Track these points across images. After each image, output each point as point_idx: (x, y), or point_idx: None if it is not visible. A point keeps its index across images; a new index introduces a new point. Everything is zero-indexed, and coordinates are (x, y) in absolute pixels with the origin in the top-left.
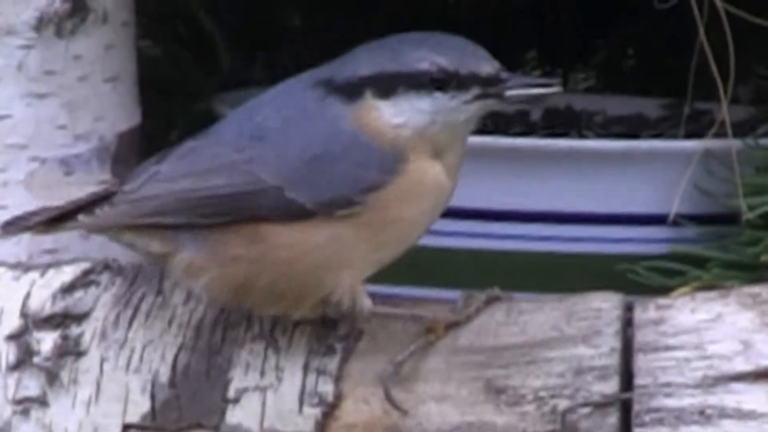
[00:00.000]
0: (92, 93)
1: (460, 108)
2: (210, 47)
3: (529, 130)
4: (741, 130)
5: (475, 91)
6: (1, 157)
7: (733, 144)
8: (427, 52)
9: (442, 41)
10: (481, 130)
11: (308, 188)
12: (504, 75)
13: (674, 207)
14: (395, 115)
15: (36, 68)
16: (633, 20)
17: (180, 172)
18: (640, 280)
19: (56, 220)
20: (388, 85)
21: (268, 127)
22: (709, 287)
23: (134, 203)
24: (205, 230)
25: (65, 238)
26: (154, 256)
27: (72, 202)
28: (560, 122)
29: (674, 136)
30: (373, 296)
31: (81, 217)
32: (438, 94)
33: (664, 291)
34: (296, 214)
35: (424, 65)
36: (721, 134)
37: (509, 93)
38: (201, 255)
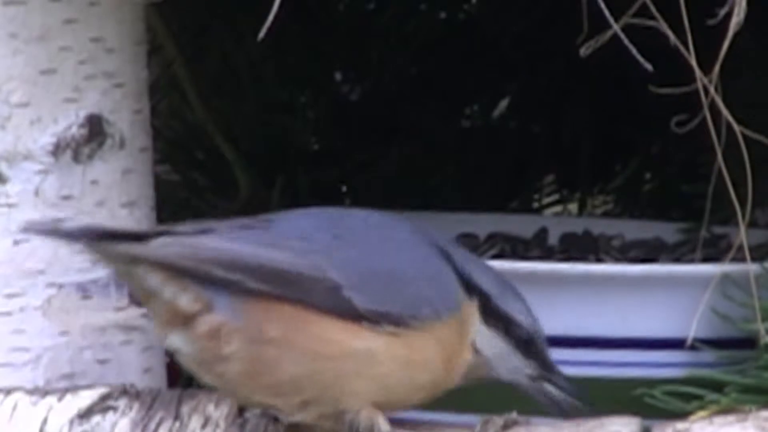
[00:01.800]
0: (109, 218)
1: (520, 372)
2: (228, 173)
3: (546, 255)
4: (758, 253)
5: (537, 369)
6: (18, 283)
7: (751, 268)
8: (527, 311)
9: (530, 307)
10: (499, 255)
11: (369, 294)
12: (556, 368)
13: (692, 331)
14: (483, 343)
15: (53, 193)
16: (650, 145)
17: (241, 238)
18: (658, 404)
19: (108, 236)
20: (492, 315)
21: (352, 233)
22: (726, 411)
23: (192, 246)
24: (249, 299)
25: (82, 363)
26: (175, 313)
27: (119, 230)
28: (578, 246)
29: (692, 261)
30: (390, 421)
31: (127, 245)
32: (517, 352)
33: (682, 415)
34: (344, 314)
35: (523, 319)
36: (738, 258)
37: (547, 387)
38: (233, 322)
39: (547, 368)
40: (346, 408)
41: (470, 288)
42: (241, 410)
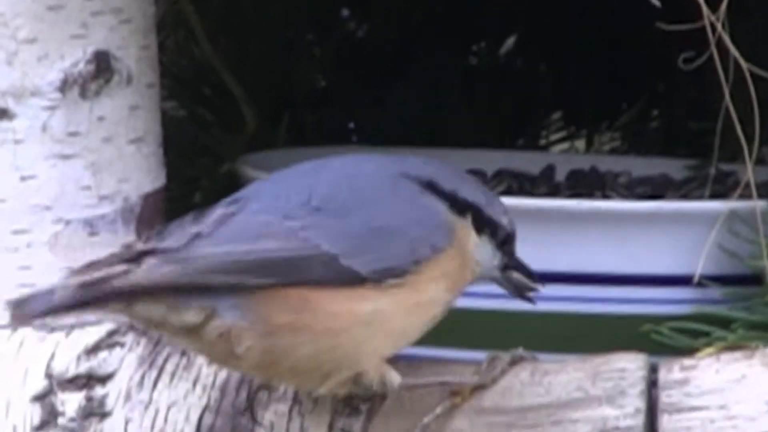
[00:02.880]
0: (117, 154)
1: (494, 269)
2: (235, 109)
3: (553, 192)
4: (765, 190)
5: (504, 260)
6: (25, 219)
7: (758, 205)
8: (508, 211)
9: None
10: (507, 191)
11: (366, 256)
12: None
13: (699, 268)
14: (479, 253)
15: (60, 129)
16: (658, 82)
17: (227, 237)
18: (665, 341)
19: (91, 299)
20: (481, 224)
21: (331, 200)
22: (733, 348)
23: (184, 261)
24: (251, 296)
25: None
26: (182, 327)
27: (99, 269)
28: (585, 183)
29: (699, 197)
30: (396, 359)
31: (115, 283)
32: (498, 252)
33: (689, 352)
34: (347, 281)
35: (505, 220)
36: (745, 195)
37: (514, 275)
38: (242, 322)
39: (512, 258)
40: (363, 370)
41: (459, 205)
42: None
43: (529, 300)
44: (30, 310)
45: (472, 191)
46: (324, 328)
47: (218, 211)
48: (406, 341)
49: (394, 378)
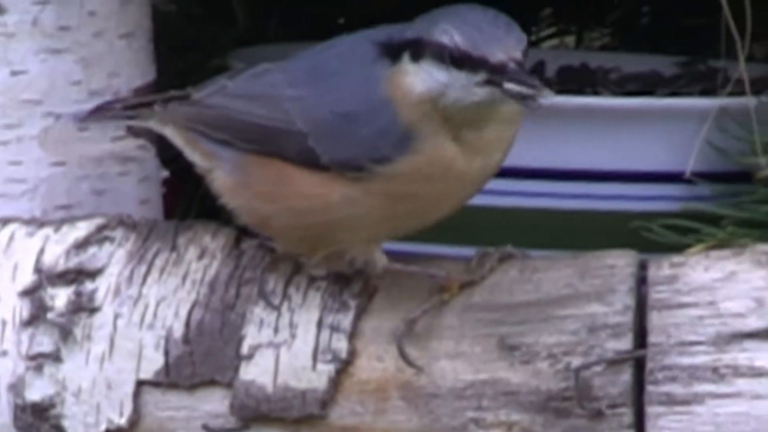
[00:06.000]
0: (107, 49)
1: (469, 89)
2: (225, 3)
3: None
4: (755, 87)
5: (483, 76)
6: (15, 113)
7: (751, 101)
8: (451, 27)
9: (471, 18)
10: None
11: (329, 143)
12: (511, 66)
13: (690, 165)
14: (418, 82)
15: (51, 24)
16: None
17: (240, 91)
18: (655, 237)
19: (137, 105)
20: (419, 52)
21: (321, 73)
22: (723, 245)
23: (195, 109)
24: (243, 157)
25: (79, 194)
26: (199, 169)
27: (151, 96)
28: (575, 80)
29: (689, 94)
30: (387, 253)
31: (157, 107)
32: (453, 70)
33: (679, 249)
34: (313, 164)
35: (445, 39)
36: (734, 92)
37: (507, 86)
38: (233, 178)
39: (497, 71)
40: (345, 249)
41: (395, 50)
42: (237, 241)
43: (534, 107)
44: (75, 118)
45: (419, 25)
46: (296, 206)
47: (261, 65)
48: (394, 230)
49: (380, 259)
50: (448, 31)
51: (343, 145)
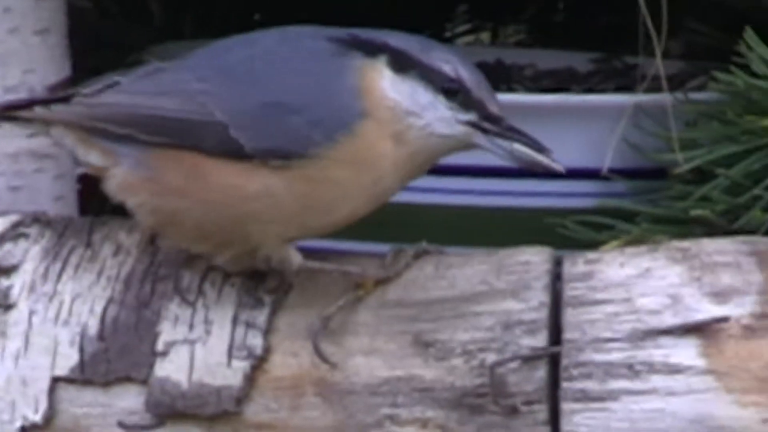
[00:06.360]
0: (22, 45)
1: (450, 122)
2: (141, 0)
3: None
4: (671, 84)
5: (473, 116)
6: None
7: (667, 98)
8: (456, 61)
9: (469, 63)
10: None
11: (255, 131)
12: (507, 122)
13: (607, 161)
14: (396, 91)
15: None
16: None
17: (139, 88)
18: (570, 234)
19: (14, 107)
20: (406, 64)
21: (239, 66)
22: (638, 242)
23: (89, 106)
24: (149, 152)
25: None
26: (92, 170)
27: (30, 97)
28: (490, 76)
29: (604, 91)
30: (302, 251)
31: (37, 109)
32: (441, 98)
33: (594, 245)
34: (234, 154)
35: (447, 68)
36: (650, 89)
37: (515, 146)
38: (136, 175)
39: (491, 119)
40: (258, 246)
41: (372, 48)
42: (152, 238)
43: (541, 170)
44: None
45: (402, 41)
46: (210, 199)
47: (152, 65)
48: (307, 227)
49: (294, 258)
50: (452, 62)
51: (273, 133)
